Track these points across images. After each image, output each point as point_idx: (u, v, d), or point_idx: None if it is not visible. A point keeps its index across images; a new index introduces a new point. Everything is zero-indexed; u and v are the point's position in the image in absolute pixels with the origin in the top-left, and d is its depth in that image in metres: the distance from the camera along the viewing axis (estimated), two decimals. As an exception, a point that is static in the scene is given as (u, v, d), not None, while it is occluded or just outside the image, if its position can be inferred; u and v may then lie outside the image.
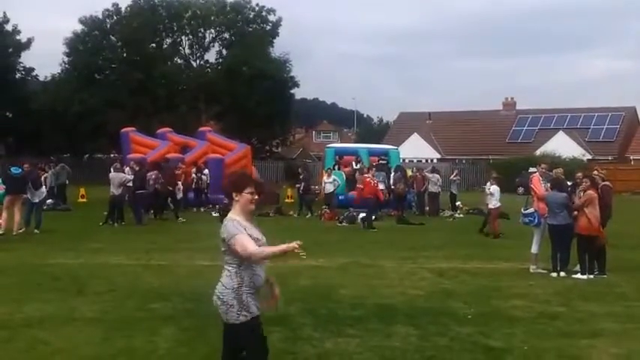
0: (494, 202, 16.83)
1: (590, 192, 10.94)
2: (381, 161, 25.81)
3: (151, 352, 6.29)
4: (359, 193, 20.12)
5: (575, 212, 11.02)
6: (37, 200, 16.19)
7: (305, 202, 23.31)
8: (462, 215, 23.68)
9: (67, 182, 24.94)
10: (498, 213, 17.02)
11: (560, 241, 11.08)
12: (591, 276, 10.80)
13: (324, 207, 22.69)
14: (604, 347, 6.70)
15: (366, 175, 20.30)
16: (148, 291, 9.17)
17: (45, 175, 22.58)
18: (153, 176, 20.57)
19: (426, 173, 24.56)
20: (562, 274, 10.95)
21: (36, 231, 16.04)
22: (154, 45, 50.15)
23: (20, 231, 15.80)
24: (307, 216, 22.56)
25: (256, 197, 4.51)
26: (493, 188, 17.06)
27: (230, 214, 4.49)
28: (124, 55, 48.57)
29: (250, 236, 4.36)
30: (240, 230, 4.34)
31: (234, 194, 4.50)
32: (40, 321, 7.44)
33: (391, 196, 23.14)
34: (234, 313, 4.40)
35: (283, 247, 4.30)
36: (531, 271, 11.30)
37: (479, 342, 6.81)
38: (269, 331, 6.99)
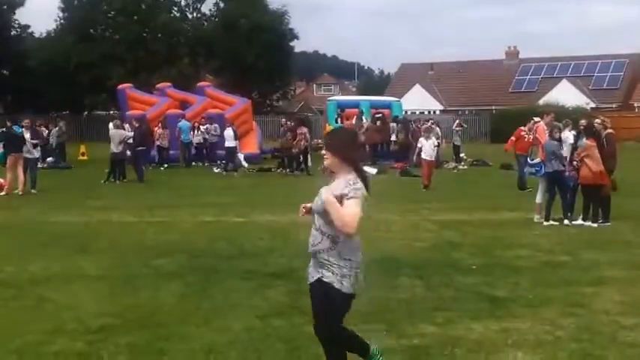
0: (423, 155, 16.81)
1: (587, 142, 10.88)
2: (376, 114, 25.73)
3: (157, 308, 6.31)
4: (510, 144, 17.02)
5: (576, 162, 11.01)
6: (29, 157, 15.84)
7: (286, 157, 22.99)
8: (465, 167, 23.62)
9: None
10: (427, 164, 16.82)
11: (551, 188, 11.05)
12: (595, 224, 10.79)
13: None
14: (608, 295, 6.70)
15: (521, 128, 16.50)
16: (152, 247, 9.17)
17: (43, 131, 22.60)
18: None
19: (429, 125, 24.43)
20: (566, 222, 10.91)
21: (33, 191, 15.84)
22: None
23: (33, 191, 15.73)
24: (294, 172, 21.49)
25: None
26: (420, 141, 17.26)
27: None
28: (120, 8, 47.73)
29: None
30: None
31: None
32: (46, 279, 7.46)
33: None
34: None
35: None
36: (535, 220, 11.27)
37: (483, 292, 6.81)
38: (273, 285, 7.04)
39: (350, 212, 3.90)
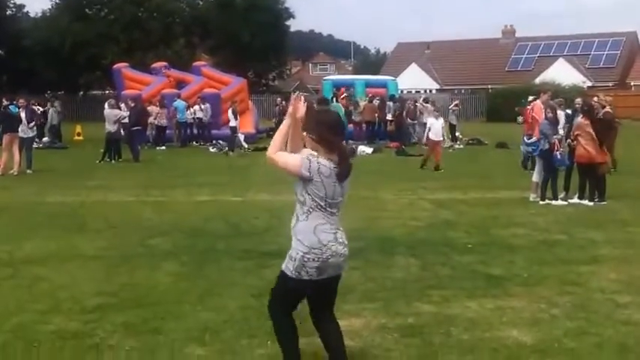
0: (430, 135, 16.57)
1: (580, 120, 10.87)
2: (371, 96, 25.63)
3: (153, 287, 6.31)
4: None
5: (570, 141, 10.99)
6: (25, 136, 15.69)
7: None
8: (461, 146, 23.60)
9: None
10: (433, 145, 16.53)
11: (542, 167, 11.05)
12: (591, 203, 10.80)
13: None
14: (604, 273, 6.71)
15: (528, 108, 15.71)
16: (148, 227, 9.16)
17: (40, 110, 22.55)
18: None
19: (421, 103, 24.61)
20: (554, 202, 10.89)
21: (28, 171, 15.74)
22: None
23: (28, 171, 15.64)
24: None
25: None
26: (430, 121, 17.06)
27: None
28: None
29: None
30: None
31: None
32: (41, 258, 7.44)
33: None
34: None
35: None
36: (531, 199, 11.27)
37: (479, 270, 6.82)
38: (269, 264, 7.03)
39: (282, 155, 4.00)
